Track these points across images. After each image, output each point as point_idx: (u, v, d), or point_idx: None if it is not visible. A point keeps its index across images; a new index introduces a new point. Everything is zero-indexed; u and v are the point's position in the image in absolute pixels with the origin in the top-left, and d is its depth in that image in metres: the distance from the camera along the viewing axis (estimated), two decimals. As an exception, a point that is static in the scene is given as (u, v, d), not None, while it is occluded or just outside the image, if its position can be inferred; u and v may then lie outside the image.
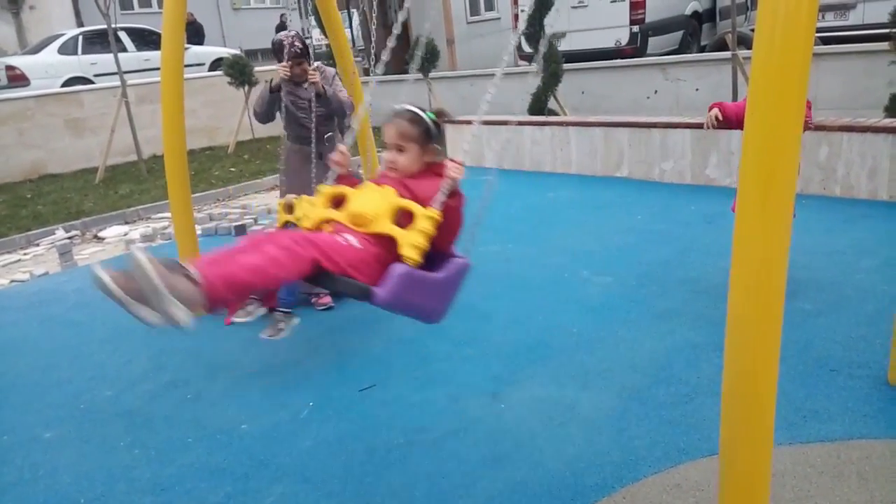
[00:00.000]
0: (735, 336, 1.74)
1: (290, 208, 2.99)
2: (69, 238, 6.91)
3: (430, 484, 2.53)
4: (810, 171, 5.48)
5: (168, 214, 7.07)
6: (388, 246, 2.01)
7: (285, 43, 4.06)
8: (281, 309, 3.58)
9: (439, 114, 2.36)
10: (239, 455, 2.85)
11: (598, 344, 3.47)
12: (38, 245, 6.88)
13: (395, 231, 2.00)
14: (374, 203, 2.07)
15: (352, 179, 2.33)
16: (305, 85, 4.16)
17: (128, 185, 8.95)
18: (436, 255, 2.11)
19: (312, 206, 2.18)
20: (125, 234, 6.95)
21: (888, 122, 5.25)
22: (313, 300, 4.35)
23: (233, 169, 9.63)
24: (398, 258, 1.97)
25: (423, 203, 2.08)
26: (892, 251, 4.18)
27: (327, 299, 4.31)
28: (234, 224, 6.47)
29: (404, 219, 2.04)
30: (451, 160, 2.16)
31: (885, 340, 2.91)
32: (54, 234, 7.07)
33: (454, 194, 2.13)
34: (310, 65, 4.15)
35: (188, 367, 3.72)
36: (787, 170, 1.59)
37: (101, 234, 7.09)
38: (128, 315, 1.66)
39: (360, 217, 2.05)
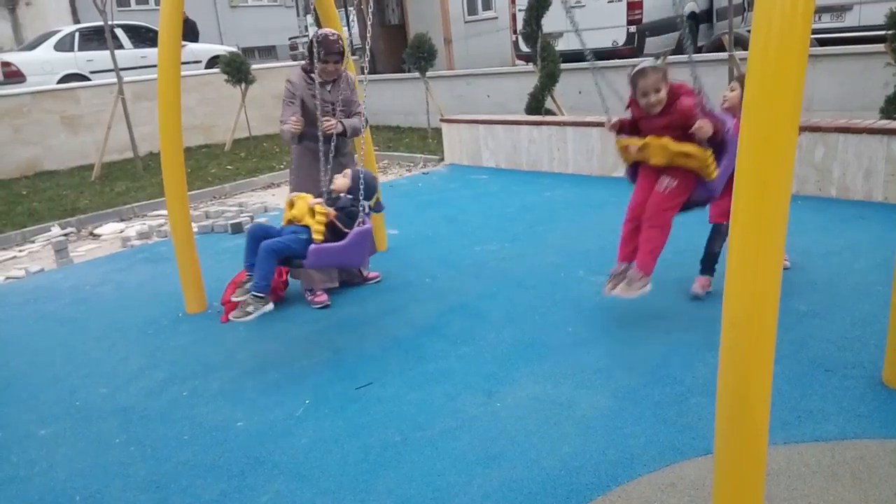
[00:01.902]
0: (730, 336, 1.75)
1: (292, 205, 3.69)
2: (65, 235, 6.89)
3: (425, 482, 2.54)
4: (806, 171, 5.50)
5: (164, 212, 7.07)
6: (685, 167, 3.28)
7: (331, 38, 4.02)
8: (254, 293, 3.47)
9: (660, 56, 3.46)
10: (234, 452, 2.85)
11: (594, 343, 3.48)
12: (33, 242, 6.86)
13: (689, 165, 3.27)
14: (665, 154, 3.28)
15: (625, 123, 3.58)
16: (329, 87, 4.16)
17: (124, 182, 8.94)
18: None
19: (624, 151, 3.54)
20: (121, 232, 6.93)
21: (884, 123, 5.26)
22: (309, 298, 4.35)
23: (229, 167, 9.62)
24: (694, 175, 3.31)
25: (680, 122, 3.24)
26: (887, 252, 4.19)
27: (323, 297, 4.31)
28: (231, 222, 6.47)
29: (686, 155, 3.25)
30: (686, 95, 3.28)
31: (880, 341, 2.92)
32: (50, 230, 7.05)
33: (688, 95, 3.29)
34: (343, 66, 4.14)
35: (183, 364, 3.72)
36: (783, 169, 1.60)
37: (96, 232, 7.08)
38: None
39: (665, 168, 3.35)
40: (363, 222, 3.59)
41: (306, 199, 3.60)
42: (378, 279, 4.65)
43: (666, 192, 3.35)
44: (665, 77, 3.31)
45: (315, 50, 4.02)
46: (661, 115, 3.34)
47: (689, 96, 3.28)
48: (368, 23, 3.68)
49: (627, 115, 3.55)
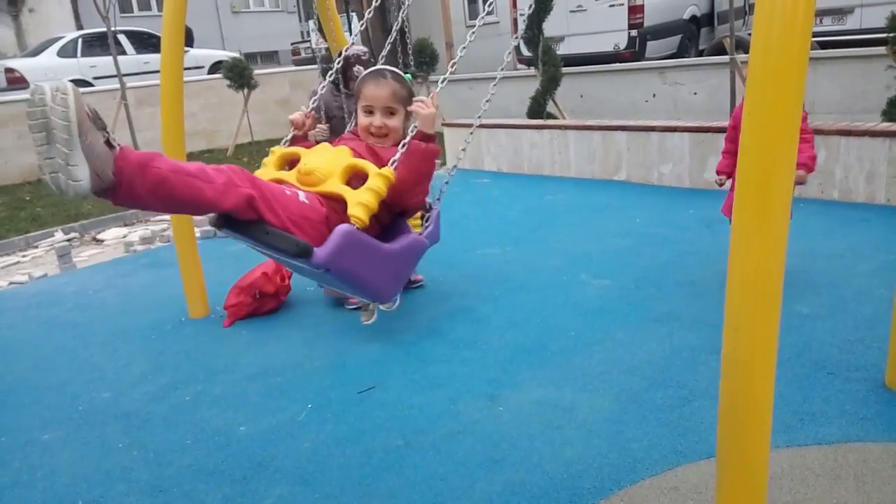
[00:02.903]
0: (732, 339, 1.75)
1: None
2: (68, 240, 6.91)
3: (428, 486, 2.54)
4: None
5: (167, 217, 7.08)
6: (339, 210, 1.86)
7: (363, 58, 4.03)
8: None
9: (415, 75, 2.26)
10: (237, 457, 2.85)
11: (596, 347, 3.48)
12: (36, 247, 6.88)
13: (344, 190, 1.87)
14: (326, 162, 1.95)
15: (307, 143, 2.21)
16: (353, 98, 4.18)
17: (127, 187, 8.96)
18: (393, 228, 2.01)
19: (263, 167, 2.04)
20: (124, 237, 6.95)
21: (885, 126, 5.26)
22: (347, 298, 4.36)
23: (232, 171, 9.64)
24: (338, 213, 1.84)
25: (383, 161, 1.98)
26: (890, 255, 4.19)
27: (357, 300, 4.32)
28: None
29: (359, 181, 1.91)
30: (421, 99, 2.01)
31: (883, 344, 2.92)
32: (53, 236, 7.07)
33: (427, 137, 1.97)
34: None
35: (186, 368, 3.72)
36: (784, 173, 1.60)
37: (99, 237, 7.10)
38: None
39: (310, 175, 1.90)
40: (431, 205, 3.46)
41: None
42: (422, 283, 4.58)
43: (292, 195, 1.83)
44: (408, 99, 2.17)
45: (348, 69, 4.04)
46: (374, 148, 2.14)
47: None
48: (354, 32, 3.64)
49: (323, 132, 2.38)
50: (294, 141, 2.19)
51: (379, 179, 1.86)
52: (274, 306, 4.37)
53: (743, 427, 1.79)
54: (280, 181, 1.92)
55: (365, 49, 4.10)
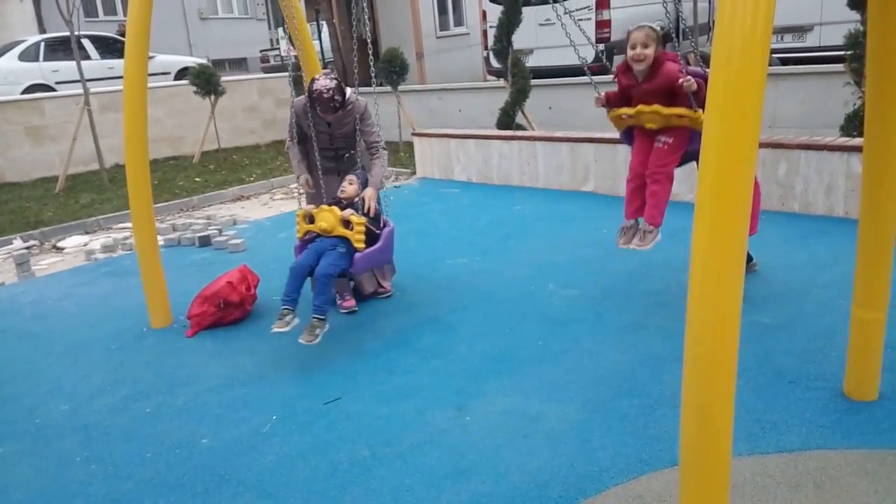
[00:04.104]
0: (693, 349, 1.77)
1: (309, 218, 3.88)
2: (27, 248, 6.74)
3: (394, 498, 2.52)
4: (769, 187, 5.61)
5: (130, 225, 6.96)
6: (679, 125, 3.52)
7: (325, 96, 3.82)
8: (316, 315, 3.65)
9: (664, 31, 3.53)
10: (199, 470, 2.79)
11: (563, 356, 3.50)
12: (-7, 255, 6.70)
13: (682, 124, 3.50)
14: (659, 118, 3.53)
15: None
16: (329, 121, 4.07)
17: (89, 194, 8.79)
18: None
19: (618, 120, 3.83)
20: (85, 245, 6.80)
21: (843, 140, 5.41)
22: (338, 302, 4.32)
23: (197, 179, 9.52)
24: (689, 129, 3.52)
25: (666, 86, 3.48)
26: (848, 266, 4.26)
27: (352, 303, 4.29)
28: (198, 235, 6.38)
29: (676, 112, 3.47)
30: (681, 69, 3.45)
31: (842, 353, 2.98)
32: (11, 243, 6.89)
33: (696, 74, 3.39)
34: (344, 111, 3.98)
35: (147, 380, 3.65)
36: (743, 185, 1.63)
37: (60, 245, 6.94)
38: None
39: (661, 128, 3.58)
40: (386, 222, 4.02)
41: (333, 212, 3.77)
42: (390, 294, 4.58)
43: (664, 148, 3.57)
44: (658, 39, 3.52)
45: (315, 101, 3.89)
46: (648, 80, 3.55)
47: (673, 62, 3.51)
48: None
49: (613, 88, 3.78)
50: (610, 97, 3.84)
51: (700, 116, 3.37)
52: (239, 316, 4.31)
53: (705, 435, 1.81)
54: (635, 118, 3.68)
55: (330, 86, 3.84)
